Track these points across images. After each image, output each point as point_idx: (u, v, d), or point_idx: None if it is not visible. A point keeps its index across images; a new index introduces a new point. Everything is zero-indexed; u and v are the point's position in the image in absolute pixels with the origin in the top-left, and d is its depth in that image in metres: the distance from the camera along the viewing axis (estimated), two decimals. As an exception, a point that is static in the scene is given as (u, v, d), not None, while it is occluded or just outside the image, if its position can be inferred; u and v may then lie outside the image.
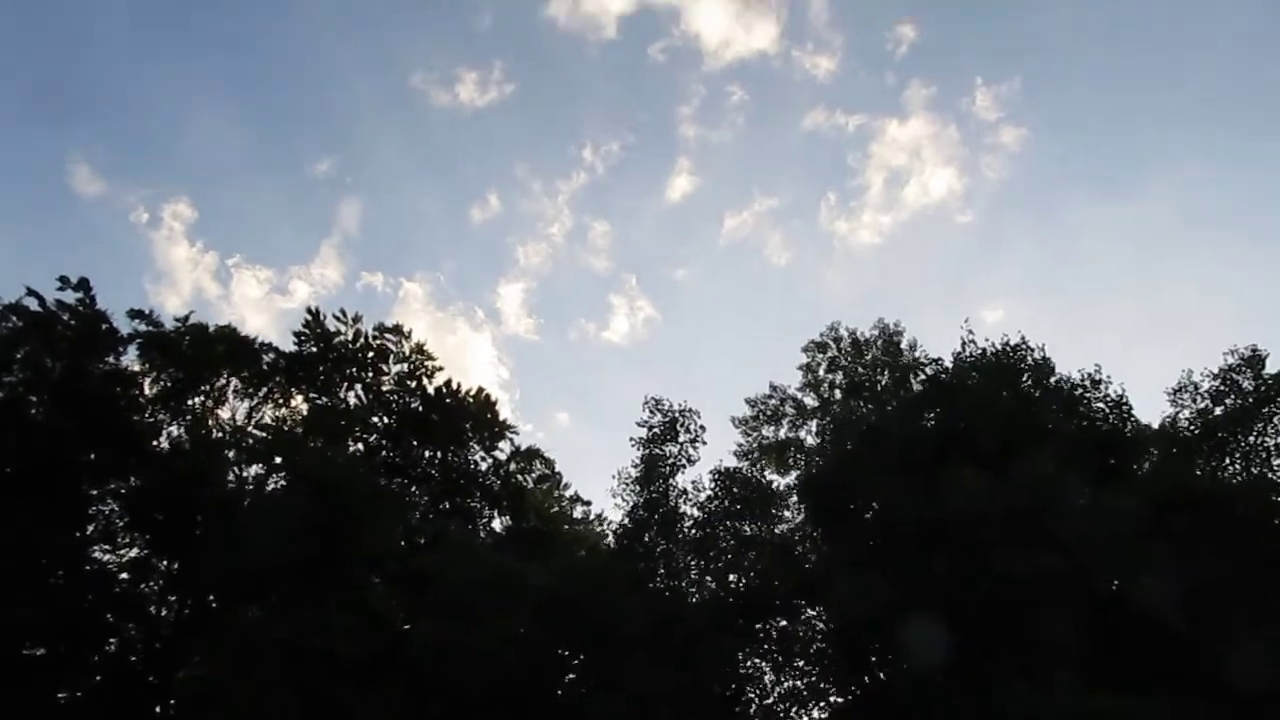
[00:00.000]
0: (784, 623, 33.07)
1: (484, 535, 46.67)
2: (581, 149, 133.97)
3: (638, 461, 36.33)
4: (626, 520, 35.61)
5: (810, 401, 42.07)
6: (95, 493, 43.94)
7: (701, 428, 36.63)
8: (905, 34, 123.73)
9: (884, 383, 40.16)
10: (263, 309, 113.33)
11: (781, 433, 41.77)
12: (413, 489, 47.41)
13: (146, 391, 45.62)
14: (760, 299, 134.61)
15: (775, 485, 36.60)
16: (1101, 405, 32.11)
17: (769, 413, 41.94)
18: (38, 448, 41.89)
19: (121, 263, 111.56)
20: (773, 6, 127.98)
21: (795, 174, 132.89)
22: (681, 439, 36.37)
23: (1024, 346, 32.97)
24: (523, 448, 49.04)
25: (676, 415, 36.57)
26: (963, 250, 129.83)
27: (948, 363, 34.11)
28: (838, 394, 41.16)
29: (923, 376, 33.86)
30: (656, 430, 36.53)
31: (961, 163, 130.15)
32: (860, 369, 41.28)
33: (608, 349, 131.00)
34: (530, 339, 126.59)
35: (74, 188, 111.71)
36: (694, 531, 34.81)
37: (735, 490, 35.05)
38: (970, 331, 33.95)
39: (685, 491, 35.79)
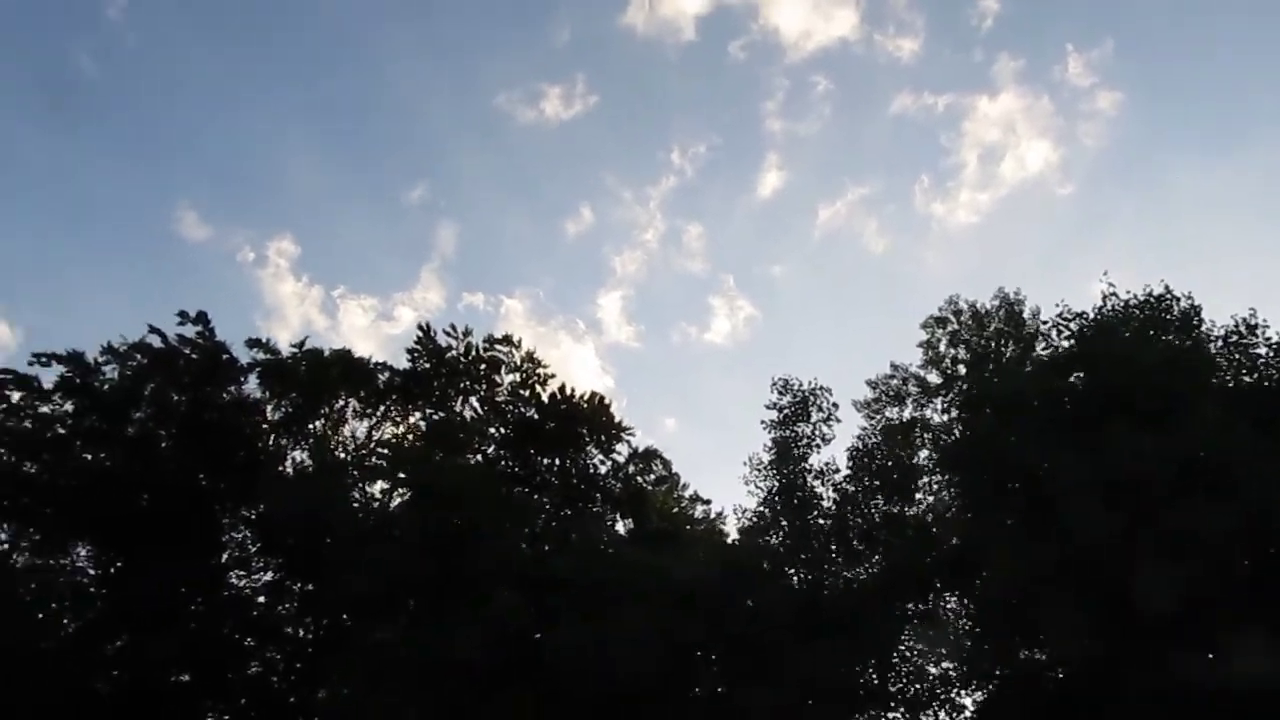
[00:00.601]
0: (929, 604, 31.22)
1: (608, 539, 45.71)
2: (669, 153, 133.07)
3: (769, 445, 34.84)
4: (762, 506, 34.13)
5: (934, 379, 40.09)
6: (227, 520, 44.28)
7: (834, 405, 35.05)
8: (989, 7, 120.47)
9: (1009, 353, 38.08)
10: (370, 336, 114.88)
11: (906, 413, 39.81)
12: (534, 497, 46.60)
13: (269, 418, 45.80)
14: (860, 288, 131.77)
15: (914, 460, 34.73)
16: (1261, 351, 29.70)
17: (892, 393, 40.05)
18: (169, 480, 42.32)
19: (232, 301, 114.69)
20: None
21: (887, 159, 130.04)
22: (814, 418, 34.81)
23: (1169, 296, 30.65)
24: (639, 449, 47.87)
25: (807, 394, 34.98)
26: (1065, 222, 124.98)
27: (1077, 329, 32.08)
28: (961, 369, 39.13)
29: (1067, 333, 31.59)
30: (787, 411, 34.99)
31: (1057, 133, 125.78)
32: (982, 341, 39.21)
33: (710, 350, 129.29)
34: (632, 346, 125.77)
35: (182, 233, 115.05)
36: (831, 513, 33.14)
37: (874, 467, 33.32)
38: (1111, 284, 31.81)
39: (822, 472, 34.19)
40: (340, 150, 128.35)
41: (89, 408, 43.33)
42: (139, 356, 44.59)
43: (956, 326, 40.07)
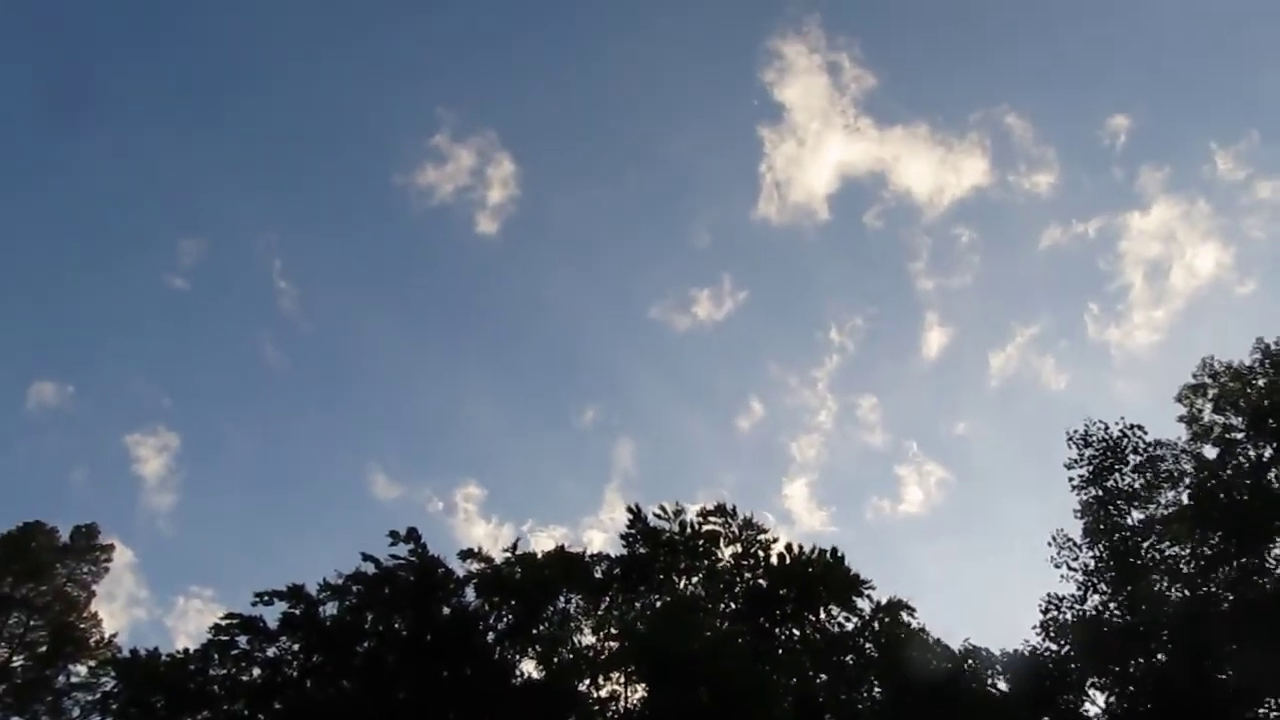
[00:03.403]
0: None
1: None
2: (827, 332, 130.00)
3: (1078, 510, 29.49)
4: (1081, 589, 28.41)
5: (1209, 451, 34.53)
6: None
7: (1152, 444, 29.56)
8: (1119, 124, 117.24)
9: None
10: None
11: (1184, 497, 33.98)
12: (774, 676, 41.44)
13: (493, 627, 42.37)
14: (1050, 428, 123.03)
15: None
16: None
17: (1163, 475, 34.42)
18: (400, 706, 38.97)
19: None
20: (974, 141, 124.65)
21: (1048, 295, 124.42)
22: (1131, 462, 29.41)
23: None
24: (882, 602, 42.50)
25: (1116, 439, 29.72)
26: (1254, 318, 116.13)
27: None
28: (1238, 436, 33.59)
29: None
30: (1096, 463, 29.67)
31: (1223, 233, 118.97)
32: (1253, 399, 33.82)
33: (907, 521, 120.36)
34: (828, 531, 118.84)
35: (375, 495, 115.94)
36: (1182, 576, 27.17)
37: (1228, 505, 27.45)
38: None
39: (1155, 523, 28.40)
40: (510, 389, 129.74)
41: (315, 644, 40.78)
42: (357, 586, 42.23)
43: (1218, 391, 34.96)
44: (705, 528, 43.79)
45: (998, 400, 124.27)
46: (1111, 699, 24.56)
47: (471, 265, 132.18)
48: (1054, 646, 27.91)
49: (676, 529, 43.84)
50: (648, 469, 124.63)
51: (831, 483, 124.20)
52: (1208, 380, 35.18)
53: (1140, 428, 29.76)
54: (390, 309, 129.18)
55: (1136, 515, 28.86)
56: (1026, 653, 29.28)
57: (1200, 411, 35.12)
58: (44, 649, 48.14)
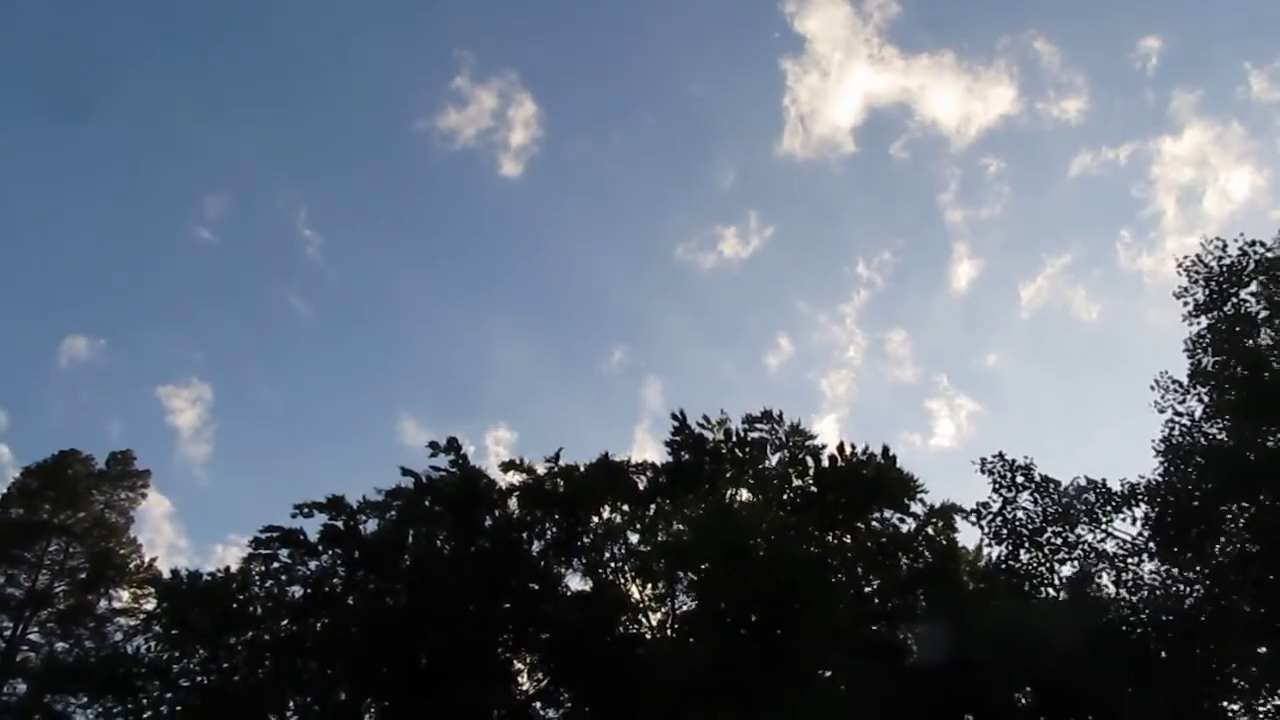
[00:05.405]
0: None
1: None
2: (854, 267, 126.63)
3: (1188, 345, 26.70)
4: (1186, 436, 25.60)
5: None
6: (516, 653, 38.91)
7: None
8: (1150, 46, 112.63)
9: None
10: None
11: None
12: (831, 579, 39.58)
13: (541, 538, 40.66)
14: (1083, 359, 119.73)
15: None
16: None
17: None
18: (449, 618, 37.45)
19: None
20: (1001, 68, 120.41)
21: (1080, 223, 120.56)
22: (1250, 285, 25.97)
23: None
24: (935, 506, 40.37)
25: (1235, 259, 26.35)
26: None
27: None
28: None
29: None
30: (1215, 285, 26.47)
31: (1257, 156, 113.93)
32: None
33: (940, 455, 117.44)
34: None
35: (405, 443, 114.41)
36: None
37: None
38: None
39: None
40: (537, 332, 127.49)
41: (357, 559, 39.18)
42: (397, 502, 40.55)
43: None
44: (751, 435, 41.89)
45: (1028, 331, 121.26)
46: (1230, 543, 22.19)
47: (496, 209, 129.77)
48: (1179, 477, 25.14)
49: (721, 437, 41.95)
50: (676, 408, 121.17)
51: (862, 418, 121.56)
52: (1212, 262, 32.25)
53: (1262, 244, 26.58)
54: (416, 255, 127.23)
55: (1260, 340, 25.88)
56: (1155, 482, 26.36)
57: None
58: (84, 575, 46.84)
